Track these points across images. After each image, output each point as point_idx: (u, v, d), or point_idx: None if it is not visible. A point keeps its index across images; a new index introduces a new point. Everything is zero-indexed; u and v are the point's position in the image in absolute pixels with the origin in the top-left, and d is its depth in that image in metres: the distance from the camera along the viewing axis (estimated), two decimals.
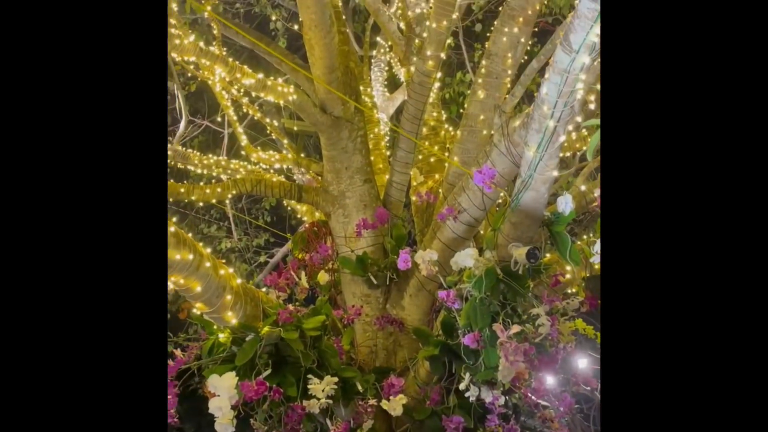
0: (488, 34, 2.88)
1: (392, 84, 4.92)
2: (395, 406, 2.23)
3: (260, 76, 2.52)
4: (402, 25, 3.54)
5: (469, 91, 5.27)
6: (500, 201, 2.75)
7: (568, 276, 2.67)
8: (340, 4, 3.04)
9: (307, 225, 3.24)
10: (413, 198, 3.20)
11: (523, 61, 2.90)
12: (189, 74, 4.52)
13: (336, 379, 2.13)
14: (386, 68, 4.60)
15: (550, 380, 2.33)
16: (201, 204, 5.46)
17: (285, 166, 3.68)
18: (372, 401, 2.29)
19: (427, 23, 2.78)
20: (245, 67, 2.50)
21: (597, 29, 1.57)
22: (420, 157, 3.30)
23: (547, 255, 2.78)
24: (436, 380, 2.32)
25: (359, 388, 2.30)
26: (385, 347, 2.70)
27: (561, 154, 2.16)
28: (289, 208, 4.27)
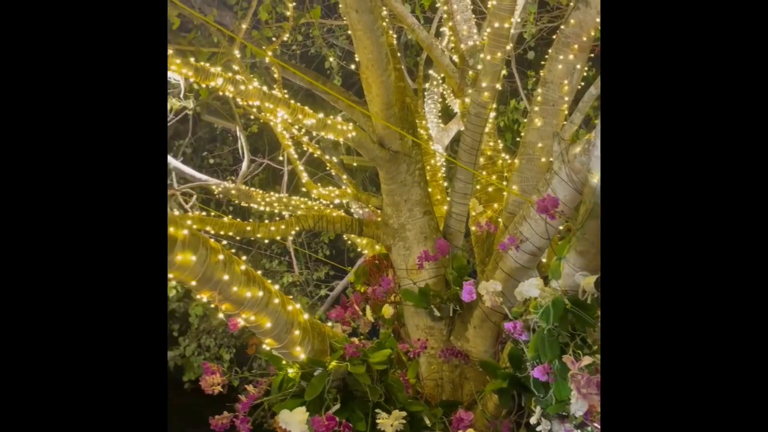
0: (542, 62, 2.89)
1: (446, 115, 4.97)
2: None
3: (320, 115, 2.60)
4: (455, 57, 3.59)
5: (523, 119, 5.27)
6: (562, 228, 2.72)
7: None
8: (395, 41, 3.12)
9: (367, 258, 3.28)
10: (473, 228, 3.20)
11: (580, 87, 2.89)
12: (252, 116, 4.70)
13: (404, 413, 2.12)
14: (439, 100, 4.65)
15: None
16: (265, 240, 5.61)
17: (344, 201, 3.75)
18: None
19: (481, 55, 2.82)
20: (306, 108, 2.59)
21: None
22: (478, 187, 3.30)
23: None
24: (506, 414, 2.28)
25: (427, 422, 2.28)
26: (450, 380, 2.68)
27: None
28: (349, 242, 4.34)
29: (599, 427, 2.18)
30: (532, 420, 2.11)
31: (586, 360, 1.90)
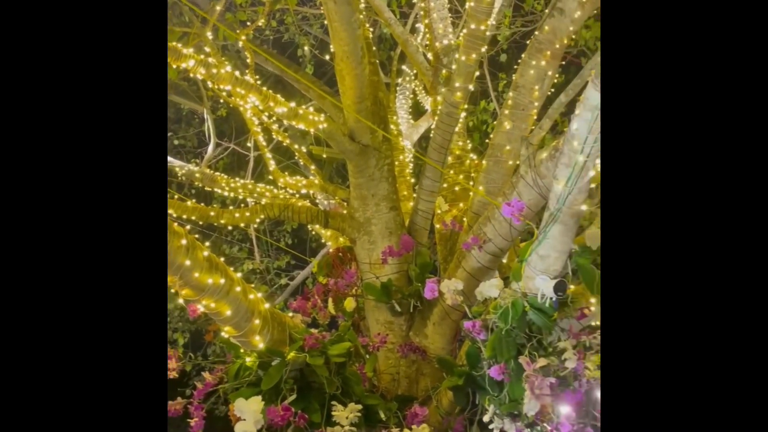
0: (514, 66, 2.93)
1: (417, 111, 4.99)
2: None
3: (292, 104, 2.58)
4: (429, 55, 3.60)
5: (492, 120, 5.32)
6: (526, 231, 2.76)
7: (593, 309, 2.66)
8: (371, 35, 3.11)
9: (331, 250, 3.28)
10: (437, 226, 3.22)
11: (549, 93, 2.93)
12: (221, 100, 4.63)
13: (360, 406, 2.14)
14: (411, 96, 4.66)
15: (572, 414, 2.32)
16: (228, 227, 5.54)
17: (311, 192, 3.73)
18: (394, 430, 2.29)
19: (456, 56, 2.83)
20: (278, 96, 2.56)
21: None
22: (445, 185, 3.33)
23: (572, 287, 2.78)
24: (459, 411, 2.32)
25: (382, 416, 2.31)
26: (407, 375, 2.70)
27: (591, 185, 2.18)
28: (313, 232, 4.32)
29: (549, 427, 2.24)
30: (485, 418, 2.15)
31: (542, 362, 1.95)
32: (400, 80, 4.54)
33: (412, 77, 4.51)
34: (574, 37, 4.06)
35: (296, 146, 3.85)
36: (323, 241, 3.91)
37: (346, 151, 2.71)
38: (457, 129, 3.30)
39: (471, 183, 3.28)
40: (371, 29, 3.55)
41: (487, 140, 3.18)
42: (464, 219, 2.99)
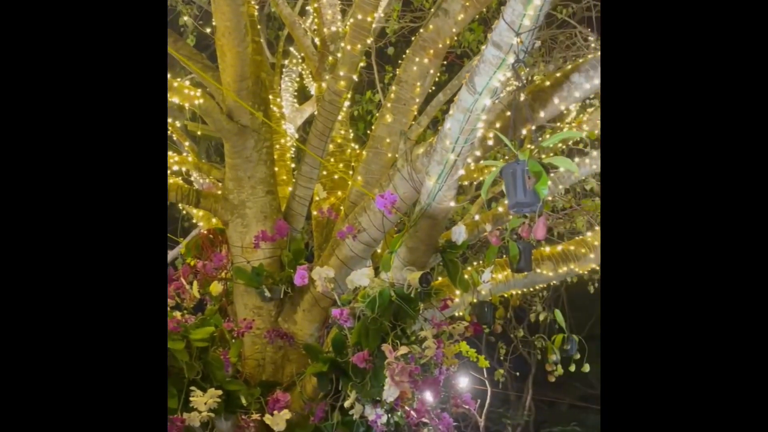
0: (399, 61, 2.98)
1: (302, 95, 4.92)
2: (279, 421, 2.22)
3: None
4: (317, 40, 3.56)
5: (377, 111, 5.37)
6: (401, 222, 2.84)
7: (456, 300, 2.80)
8: (256, 12, 3.02)
9: (202, 231, 3.16)
10: (314, 213, 3.21)
11: (431, 90, 3.02)
12: None
13: (220, 392, 2.10)
14: (297, 79, 4.59)
15: (431, 400, 2.43)
16: None
17: (184, 169, 3.57)
18: (255, 416, 2.27)
19: (342, 44, 2.83)
20: None
21: (500, 75, 1.69)
22: (324, 173, 3.32)
23: (439, 279, 2.90)
24: (322, 396, 2.35)
25: (243, 401, 2.28)
26: (273, 361, 2.68)
27: (459, 183, 2.28)
28: (184, 211, 4.14)
29: (409, 410, 2.33)
30: (347, 403, 2.19)
31: (403, 350, 2.02)
32: (286, 62, 4.46)
33: (300, 60, 4.44)
34: (457, 38, 4.22)
35: (170, 120, 3.66)
36: (195, 221, 3.76)
37: (223, 130, 2.62)
38: (340, 117, 3.31)
39: (350, 172, 3.30)
40: (257, 7, 3.46)
41: (368, 131, 3.22)
42: (341, 208, 3.01)
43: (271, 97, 3.49)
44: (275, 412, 2.23)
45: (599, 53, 2.34)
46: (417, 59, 2.81)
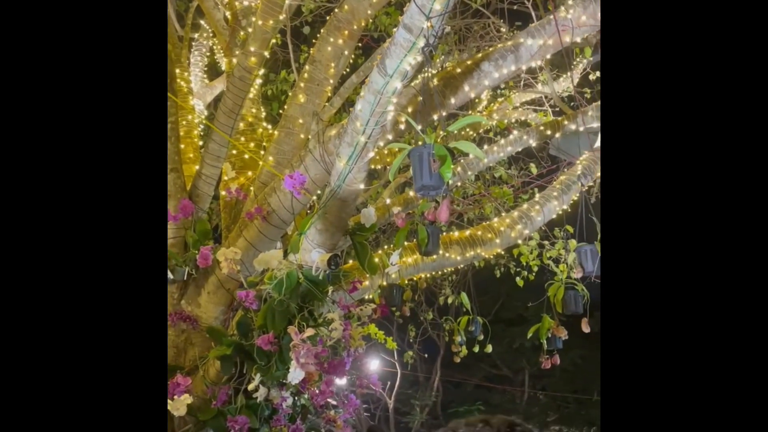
0: (314, 41, 2.93)
1: (213, 70, 4.74)
2: (179, 406, 2.15)
3: None
4: (228, 14, 3.44)
5: (291, 91, 5.28)
6: (311, 204, 2.80)
7: (366, 283, 2.81)
8: None
9: None
10: (222, 193, 3.12)
11: (345, 72, 2.99)
12: None
13: None
14: (207, 53, 4.42)
15: (338, 382, 2.43)
16: None
17: None
18: None
19: (254, 19, 2.75)
20: None
21: (410, 59, 1.69)
22: (234, 152, 3.22)
23: (350, 262, 2.90)
24: (226, 380, 2.29)
25: None
26: (175, 345, 2.59)
27: (372, 167, 2.28)
28: None
29: (314, 391, 2.32)
30: (251, 387, 2.15)
31: (309, 332, 2.00)
32: (196, 35, 4.28)
33: (210, 34, 4.28)
34: (373, 21, 4.20)
35: None
36: None
37: None
38: (251, 95, 3.22)
39: (261, 152, 3.23)
40: None
41: (281, 111, 3.15)
42: (251, 188, 2.94)
43: (178, 71, 3.34)
44: (175, 396, 2.15)
45: (509, 43, 2.40)
46: (331, 39, 2.78)
